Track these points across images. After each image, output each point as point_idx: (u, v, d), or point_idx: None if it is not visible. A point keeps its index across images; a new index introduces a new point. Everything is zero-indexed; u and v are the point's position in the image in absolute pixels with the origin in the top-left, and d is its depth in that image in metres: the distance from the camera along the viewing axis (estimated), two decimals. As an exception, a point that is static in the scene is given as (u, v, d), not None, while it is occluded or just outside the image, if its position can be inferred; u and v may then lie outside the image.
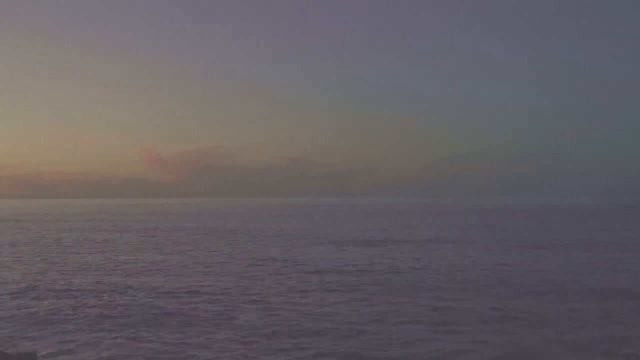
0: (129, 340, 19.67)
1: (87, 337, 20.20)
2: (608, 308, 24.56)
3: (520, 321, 22.15)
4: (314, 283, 31.34)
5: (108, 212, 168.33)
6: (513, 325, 21.52)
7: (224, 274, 35.04)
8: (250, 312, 24.05)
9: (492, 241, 56.54)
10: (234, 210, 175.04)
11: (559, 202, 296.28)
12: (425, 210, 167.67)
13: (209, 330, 21.26)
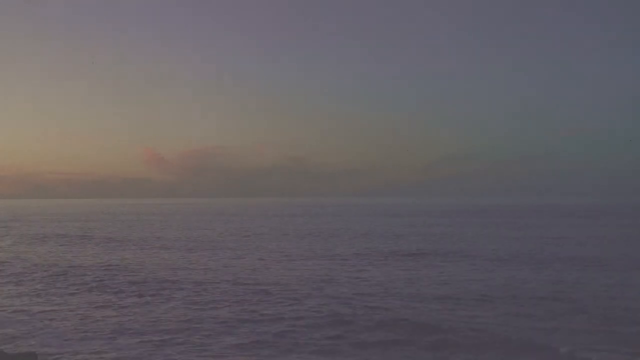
0: None
1: None
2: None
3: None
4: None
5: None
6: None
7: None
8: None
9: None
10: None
11: (558, 202, 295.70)
12: (429, 211, 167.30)
13: None
